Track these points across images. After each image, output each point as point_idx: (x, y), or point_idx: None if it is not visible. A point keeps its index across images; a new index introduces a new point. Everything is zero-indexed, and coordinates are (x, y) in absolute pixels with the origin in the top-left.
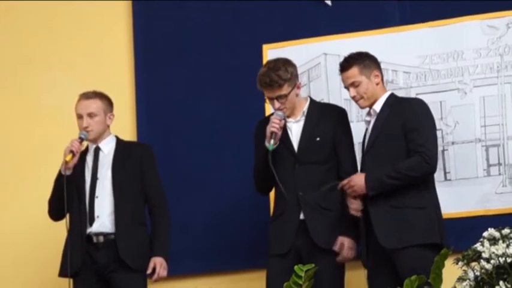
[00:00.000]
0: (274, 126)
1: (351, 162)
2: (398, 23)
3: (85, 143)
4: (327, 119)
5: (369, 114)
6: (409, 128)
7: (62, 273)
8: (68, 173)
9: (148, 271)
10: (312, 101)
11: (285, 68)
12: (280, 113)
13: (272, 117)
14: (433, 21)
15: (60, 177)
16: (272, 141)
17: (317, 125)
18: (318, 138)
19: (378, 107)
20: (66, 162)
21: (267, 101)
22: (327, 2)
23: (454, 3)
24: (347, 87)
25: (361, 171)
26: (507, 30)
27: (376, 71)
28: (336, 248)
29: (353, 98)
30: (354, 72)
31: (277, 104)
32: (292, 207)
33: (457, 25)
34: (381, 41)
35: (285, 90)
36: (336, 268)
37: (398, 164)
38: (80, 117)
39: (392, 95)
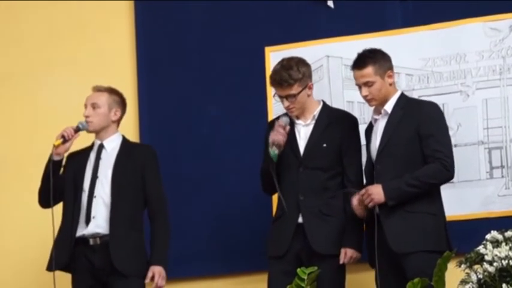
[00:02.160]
0: (277, 135)
1: (355, 171)
2: (400, 25)
3: (90, 141)
4: (336, 126)
5: (377, 112)
6: (424, 133)
7: (49, 268)
8: (57, 158)
9: (147, 280)
10: (325, 106)
11: (297, 68)
12: (284, 118)
13: (276, 124)
14: (435, 23)
15: (49, 162)
16: (276, 150)
17: (325, 131)
18: (324, 145)
19: (389, 107)
20: (54, 147)
21: (277, 98)
22: (329, 4)
23: (457, 5)
24: (358, 85)
25: (375, 173)
26: (510, 33)
27: (390, 71)
28: (341, 261)
29: (364, 97)
30: (368, 71)
31: (286, 103)
32: (291, 210)
33: (459, 27)
34: (383, 43)
35: (294, 89)
36: (336, 272)
37: (417, 172)
38: (85, 107)
39: (403, 96)
